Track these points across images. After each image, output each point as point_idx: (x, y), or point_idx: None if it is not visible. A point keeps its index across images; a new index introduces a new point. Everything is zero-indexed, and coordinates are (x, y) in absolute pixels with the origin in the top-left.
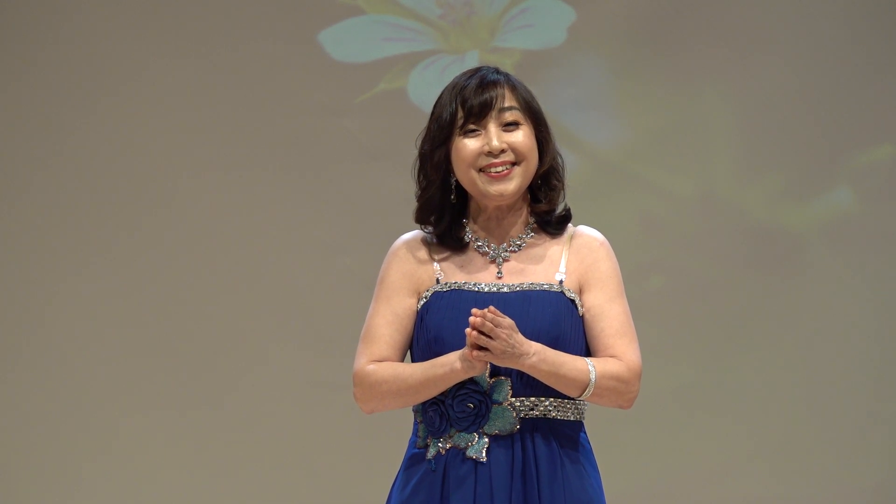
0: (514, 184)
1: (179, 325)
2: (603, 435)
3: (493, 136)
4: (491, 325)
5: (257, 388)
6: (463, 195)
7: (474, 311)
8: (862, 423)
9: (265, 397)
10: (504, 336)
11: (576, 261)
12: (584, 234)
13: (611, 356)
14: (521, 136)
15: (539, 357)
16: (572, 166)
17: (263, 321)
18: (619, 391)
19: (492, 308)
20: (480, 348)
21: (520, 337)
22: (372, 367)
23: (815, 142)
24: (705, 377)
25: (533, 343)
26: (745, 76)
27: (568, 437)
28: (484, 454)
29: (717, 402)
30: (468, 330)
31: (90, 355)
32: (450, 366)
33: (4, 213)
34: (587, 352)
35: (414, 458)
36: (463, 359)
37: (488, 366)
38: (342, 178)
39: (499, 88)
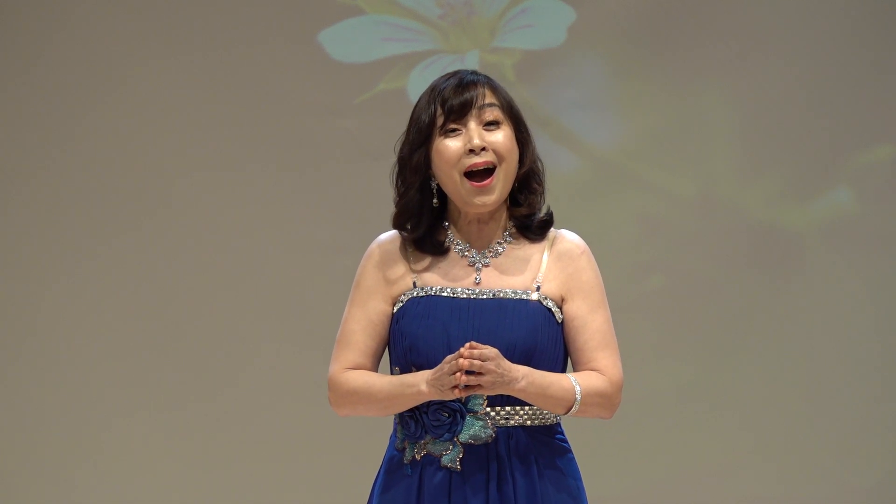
0: (496, 194)
1: (178, 324)
2: (602, 435)
3: (475, 133)
4: (479, 361)
5: (255, 387)
6: (443, 198)
7: (462, 351)
8: (862, 422)
9: (263, 396)
10: (493, 367)
11: (556, 268)
12: (566, 240)
13: (593, 370)
14: (502, 137)
15: (527, 381)
16: (572, 166)
17: (263, 321)
18: (602, 406)
19: (472, 343)
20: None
21: (506, 363)
22: (345, 376)
23: (815, 142)
24: (704, 377)
25: (519, 367)
26: (745, 76)
27: (545, 443)
28: (458, 464)
29: (717, 401)
30: (457, 375)
31: (88, 353)
32: (416, 388)
33: (1, 212)
34: (564, 360)
35: (393, 461)
36: (430, 384)
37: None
38: (342, 178)
39: (479, 87)
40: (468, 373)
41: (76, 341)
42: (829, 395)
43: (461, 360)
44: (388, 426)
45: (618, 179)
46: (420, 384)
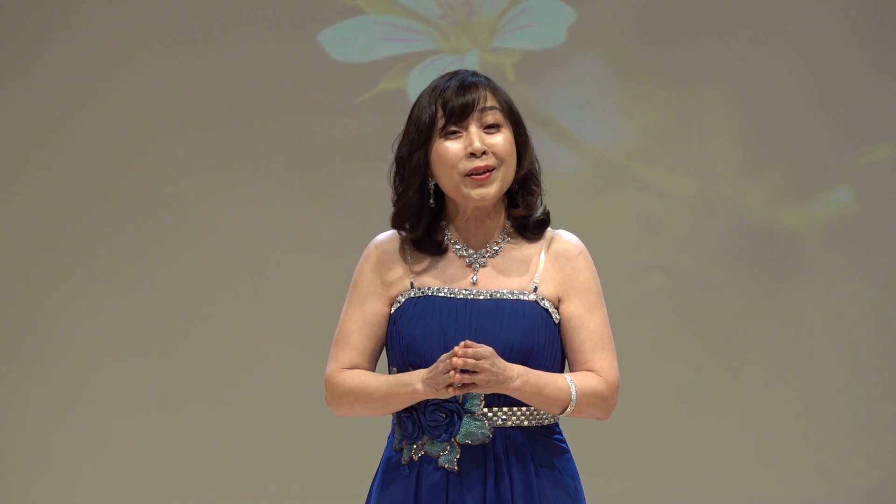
0: (495, 187)
1: (178, 325)
2: (601, 435)
3: (475, 137)
4: (473, 360)
5: (255, 387)
6: (440, 198)
7: (456, 350)
8: (862, 422)
9: (263, 397)
10: (488, 366)
11: (554, 268)
12: (563, 240)
13: (589, 370)
14: (502, 140)
15: (522, 380)
16: (572, 166)
17: (263, 321)
18: (598, 406)
19: (467, 342)
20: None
21: (501, 362)
22: (341, 375)
23: (815, 142)
24: (704, 377)
25: (515, 366)
26: (745, 76)
27: (542, 443)
28: (455, 464)
29: (717, 402)
30: (452, 373)
31: (87, 354)
32: (412, 387)
33: (1, 213)
34: (562, 360)
35: (391, 461)
36: (425, 383)
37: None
38: (342, 178)
39: (480, 90)
40: (463, 371)
41: (76, 341)
42: (829, 395)
43: (455, 359)
44: (386, 427)
45: (618, 179)
46: (415, 383)
